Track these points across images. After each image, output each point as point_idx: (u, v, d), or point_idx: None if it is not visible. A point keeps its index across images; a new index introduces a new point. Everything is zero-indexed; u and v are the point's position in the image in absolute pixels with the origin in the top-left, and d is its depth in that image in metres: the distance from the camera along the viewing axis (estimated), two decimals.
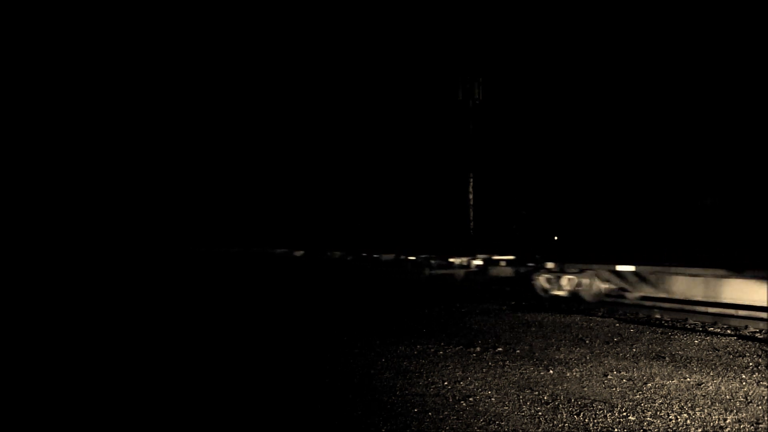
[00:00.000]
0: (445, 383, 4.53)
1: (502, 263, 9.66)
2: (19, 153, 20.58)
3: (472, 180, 9.74)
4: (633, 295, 8.14)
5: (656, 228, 7.22)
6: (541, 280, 8.92)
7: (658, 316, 7.53)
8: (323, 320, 7.67)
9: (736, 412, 3.76)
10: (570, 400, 4.06)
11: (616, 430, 3.49)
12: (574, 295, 8.54)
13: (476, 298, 9.36)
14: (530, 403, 3.99)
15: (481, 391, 4.30)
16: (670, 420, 3.64)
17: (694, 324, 6.93)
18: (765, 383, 4.41)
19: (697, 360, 5.18)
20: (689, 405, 3.92)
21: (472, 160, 9.76)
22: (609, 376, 4.67)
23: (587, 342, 6.02)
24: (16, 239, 20.06)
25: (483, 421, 3.67)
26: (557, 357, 5.36)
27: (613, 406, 3.91)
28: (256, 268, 15.53)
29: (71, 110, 20.65)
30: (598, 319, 7.40)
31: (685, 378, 4.59)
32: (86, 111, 20.58)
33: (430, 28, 10.82)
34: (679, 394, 4.17)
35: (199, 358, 5.63)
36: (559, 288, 8.66)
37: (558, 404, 3.97)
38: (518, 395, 4.19)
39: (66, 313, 8.75)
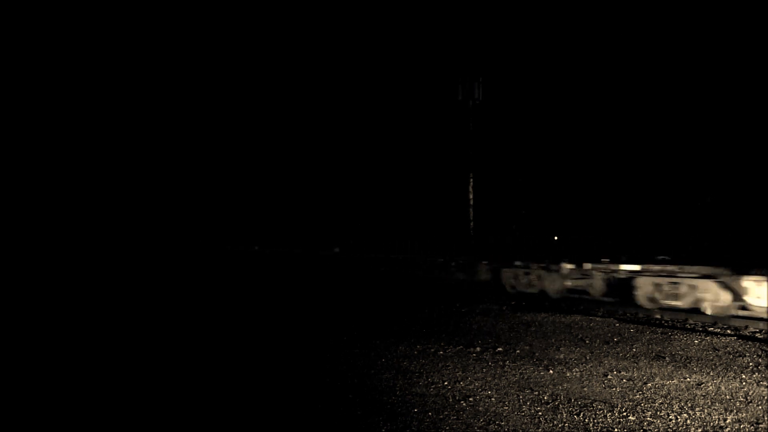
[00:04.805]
0: (445, 383, 4.53)
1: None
2: (30, 155, 20.66)
3: (472, 180, 9.75)
4: (596, 292, 8.27)
5: (656, 226, 7.23)
6: (509, 278, 9.21)
7: (658, 316, 7.53)
8: (324, 320, 7.67)
9: (736, 412, 3.75)
10: (570, 400, 4.06)
11: (616, 430, 3.49)
12: (541, 292, 8.83)
13: (476, 298, 9.36)
14: (530, 403, 3.99)
15: (481, 391, 4.30)
16: (670, 420, 3.64)
17: (694, 324, 6.93)
18: (765, 383, 4.41)
19: (697, 360, 5.18)
20: (689, 405, 3.92)
21: (472, 160, 9.76)
22: (609, 376, 4.67)
23: (587, 342, 6.01)
24: (31, 240, 20.15)
25: (483, 421, 3.67)
26: (557, 357, 5.35)
27: (613, 406, 3.91)
28: (256, 266, 15.53)
29: (75, 111, 20.68)
30: (598, 319, 7.40)
31: (685, 378, 4.59)
32: (89, 112, 20.61)
33: (430, 28, 10.82)
34: (679, 394, 4.17)
35: (202, 357, 5.63)
36: (528, 285, 8.95)
37: (558, 404, 3.97)
38: (518, 395, 4.19)
39: (72, 310, 8.75)
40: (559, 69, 8.34)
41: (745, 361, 5.09)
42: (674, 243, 7.08)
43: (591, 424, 3.58)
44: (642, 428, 3.51)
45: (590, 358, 5.28)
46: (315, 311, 8.49)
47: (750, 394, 4.15)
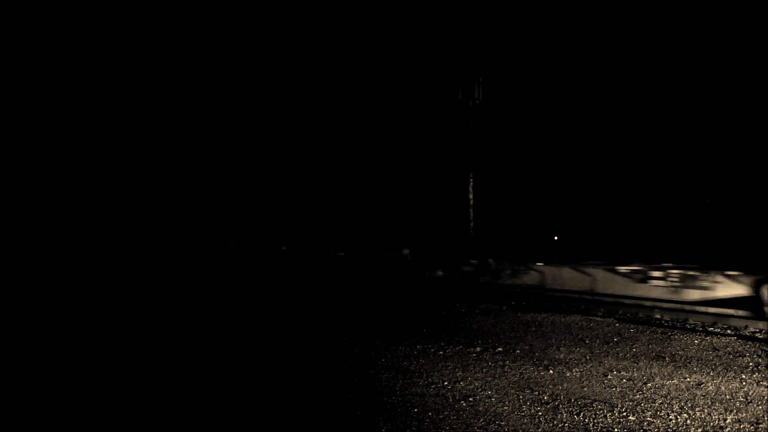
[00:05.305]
0: (445, 383, 4.53)
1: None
2: (32, 155, 20.67)
3: (472, 180, 9.75)
4: (450, 275, 8.40)
5: (656, 227, 7.23)
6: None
7: (658, 316, 7.52)
8: (324, 320, 7.67)
9: (736, 412, 3.75)
10: (570, 400, 4.06)
11: (616, 430, 3.49)
12: (414, 276, 9.00)
13: (476, 298, 9.35)
14: (530, 403, 3.99)
15: (481, 391, 4.30)
16: (670, 420, 3.64)
17: (694, 324, 6.93)
18: (765, 383, 4.41)
19: (697, 360, 5.18)
20: (689, 405, 3.92)
21: (472, 160, 9.77)
22: (609, 376, 4.67)
23: (587, 342, 6.01)
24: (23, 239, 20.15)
25: (483, 421, 3.67)
26: (557, 357, 5.36)
27: (613, 406, 3.91)
28: (256, 265, 15.53)
29: (75, 111, 20.70)
30: (598, 319, 7.40)
31: (685, 378, 4.59)
32: (87, 112, 20.62)
33: (429, 28, 10.82)
34: (679, 394, 4.17)
35: (201, 358, 5.63)
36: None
37: (558, 404, 3.97)
38: (518, 395, 4.19)
39: (71, 310, 8.75)
40: (560, 69, 8.34)
41: (745, 361, 5.09)
42: (674, 243, 7.08)
43: (591, 424, 3.58)
44: (642, 428, 3.51)
45: (590, 358, 5.28)
46: (315, 311, 8.49)
47: (750, 394, 4.15)
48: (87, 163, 20.47)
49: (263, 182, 15.36)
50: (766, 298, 6.61)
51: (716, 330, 6.56)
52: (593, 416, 3.72)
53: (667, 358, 5.25)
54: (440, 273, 10.59)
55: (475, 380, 4.60)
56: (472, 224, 9.78)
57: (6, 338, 6.91)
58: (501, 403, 4.00)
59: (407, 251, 11.06)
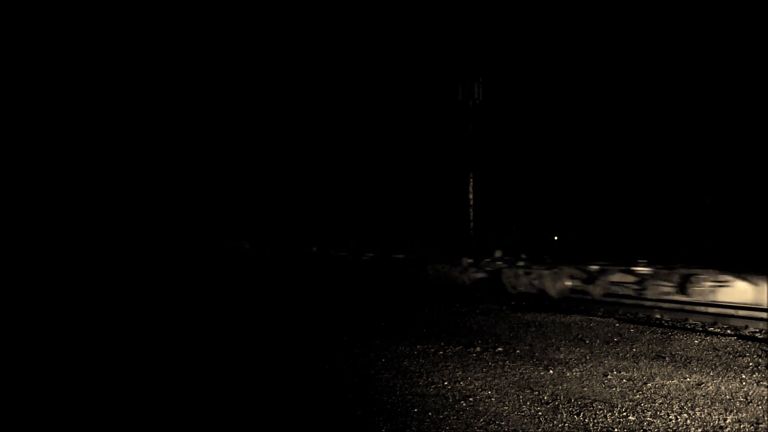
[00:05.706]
0: (445, 383, 4.53)
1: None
2: (33, 155, 20.63)
3: (472, 180, 9.75)
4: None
5: (656, 227, 7.23)
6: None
7: (658, 316, 7.53)
8: (323, 320, 7.67)
9: (736, 412, 3.76)
10: (570, 400, 4.06)
11: (616, 430, 3.50)
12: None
13: (476, 298, 9.35)
14: (530, 403, 3.99)
15: (481, 391, 4.30)
16: (670, 420, 3.64)
17: (694, 324, 6.93)
18: (765, 383, 4.41)
19: (697, 360, 5.18)
20: (689, 405, 3.92)
21: (472, 160, 9.77)
22: (609, 376, 4.67)
23: (587, 342, 6.02)
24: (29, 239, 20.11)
25: (483, 421, 3.67)
26: (557, 357, 5.36)
27: (613, 406, 3.91)
28: (255, 265, 15.54)
29: (75, 111, 20.69)
30: (598, 319, 7.40)
31: (685, 378, 4.59)
32: (87, 112, 20.62)
33: (429, 28, 10.82)
34: (679, 394, 4.17)
35: (201, 357, 5.63)
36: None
37: (558, 404, 3.97)
38: (518, 395, 4.19)
39: (76, 312, 8.75)
40: (559, 69, 8.34)
41: (745, 361, 5.09)
42: (674, 243, 7.08)
43: (591, 424, 3.58)
44: (642, 428, 3.51)
45: (590, 358, 5.28)
46: (314, 311, 8.49)
47: (750, 394, 4.15)
48: (100, 164, 20.43)
49: (260, 181, 15.38)
50: None
51: (716, 330, 6.57)
52: (593, 416, 3.72)
53: (667, 358, 5.25)
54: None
55: (475, 380, 4.60)
56: (472, 224, 9.78)
57: (6, 338, 6.91)
58: (501, 403, 4.00)
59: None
